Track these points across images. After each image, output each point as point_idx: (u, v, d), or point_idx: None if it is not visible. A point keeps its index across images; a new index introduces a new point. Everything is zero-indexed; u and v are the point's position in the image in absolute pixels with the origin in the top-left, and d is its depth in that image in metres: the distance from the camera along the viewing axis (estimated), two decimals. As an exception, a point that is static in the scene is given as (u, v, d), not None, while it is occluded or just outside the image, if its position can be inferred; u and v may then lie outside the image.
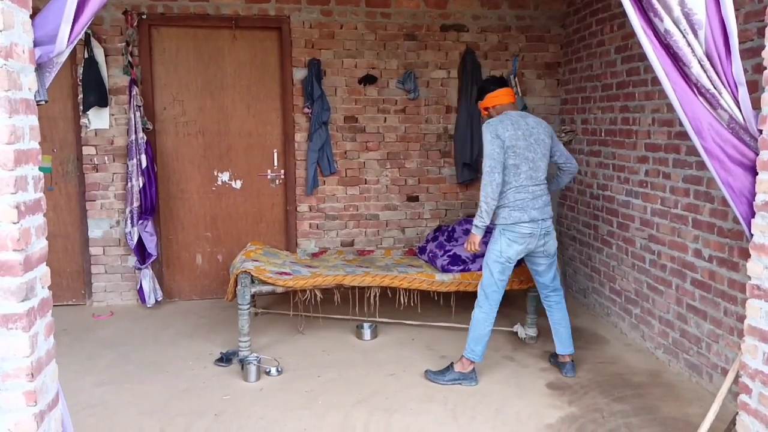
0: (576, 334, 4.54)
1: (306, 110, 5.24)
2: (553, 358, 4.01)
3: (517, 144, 3.56)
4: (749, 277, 2.29)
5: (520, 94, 5.47)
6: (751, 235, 2.30)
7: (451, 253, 4.46)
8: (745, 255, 3.11)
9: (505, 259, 3.63)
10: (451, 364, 3.80)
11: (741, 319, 3.21)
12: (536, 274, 3.87)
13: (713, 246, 3.50)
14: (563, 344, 3.88)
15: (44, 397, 1.96)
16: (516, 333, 4.39)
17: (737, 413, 2.40)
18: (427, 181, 5.59)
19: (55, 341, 2.08)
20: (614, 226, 4.66)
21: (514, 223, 3.58)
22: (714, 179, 2.42)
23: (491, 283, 3.68)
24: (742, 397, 2.35)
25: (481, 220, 3.62)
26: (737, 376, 2.45)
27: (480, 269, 4.27)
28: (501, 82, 3.82)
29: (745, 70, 3.11)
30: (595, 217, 4.98)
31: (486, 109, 3.78)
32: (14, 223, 1.80)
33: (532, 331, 4.33)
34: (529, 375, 3.86)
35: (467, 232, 4.72)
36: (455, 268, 4.33)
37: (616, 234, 4.64)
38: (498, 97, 3.73)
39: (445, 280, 4.26)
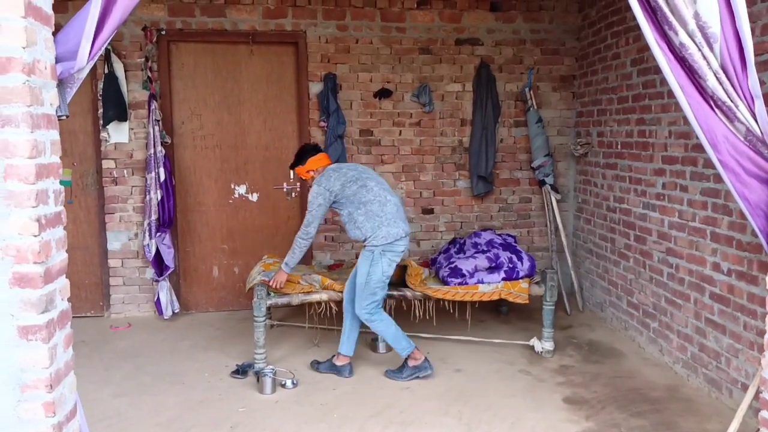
0: (593, 347, 4.52)
1: (322, 124, 5.28)
2: (320, 365, 4.12)
3: (349, 174, 3.91)
4: (768, 291, 2.27)
5: (534, 107, 5.47)
6: (770, 248, 2.28)
7: (453, 265, 4.45)
8: (765, 268, 3.08)
9: (387, 278, 3.90)
10: (405, 361, 3.99)
11: (761, 333, 3.17)
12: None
13: (732, 259, 3.47)
14: (353, 345, 4.09)
15: (63, 408, 1.98)
16: (532, 347, 4.36)
17: (758, 429, 2.37)
18: (442, 193, 5.60)
19: (74, 352, 2.11)
20: (631, 239, 4.62)
21: (394, 241, 3.83)
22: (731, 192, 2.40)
23: (376, 302, 3.90)
24: (763, 413, 2.32)
25: (291, 260, 4.00)
26: (758, 392, 2.41)
27: (479, 282, 4.31)
28: (318, 149, 4.11)
29: (762, 82, 3.10)
30: (611, 230, 4.95)
31: (309, 171, 4.03)
32: (35, 236, 1.83)
33: (548, 345, 4.30)
34: (546, 389, 3.82)
35: (476, 245, 4.74)
36: (454, 280, 4.32)
37: (633, 247, 4.60)
38: (320, 160, 4.03)
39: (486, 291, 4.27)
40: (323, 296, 4.16)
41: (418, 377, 3.93)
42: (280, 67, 5.34)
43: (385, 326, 3.94)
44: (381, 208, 3.84)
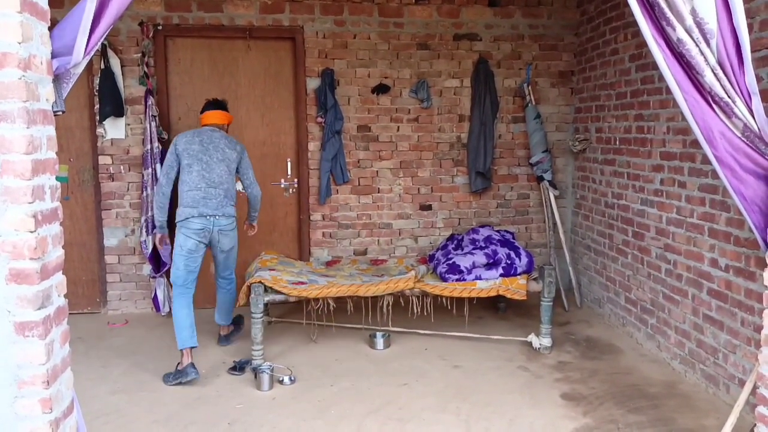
0: (591, 344, 4.52)
1: (319, 119, 5.27)
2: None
3: (190, 147, 4.04)
4: (766, 287, 2.27)
5: (533, 103, 5.46)
6: (766, 243, 2.28)
7: (451, 261, 4.45)
8: (762, 265, 3.09)
9: (186, 251, 4.02)
10: (177, 365, 3.94)
11: (758, 329, 3.17)
12: (215, 263, 4.34)
13: (730, 255, 3.47)
14: (222, 317, 4.47)
15: (59, 405, 1.98)
16: (530, 343, 4.37)
17: (755, 425, 2.37)
18: (440, 189, 5.59)
19: (71, 349, 2.10)
20: (629, 236, 4.62)
21: (186, 218, 4.00)
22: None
23: (178, 274, 4.02)
24: (760, 408, 2.32)
25: (156, 217, 4.16)
26: (755, 387, 2.42)
27: (477, 278, 4.31)
28: (217, 106, 4.28)
29: (761, 78, 3.10)
30: (609, 226, 4.95)
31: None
32: (31, 231, 1.83)
33: (546, 341, 4.30)
34: (544, 385, 3.83)
35: (474, 241, 4.74)
36: (452, 276, 4.32)
37: (631, 243, 4.60)
38: (205, 118, 4.23)
39: (483, 288, 4.26)
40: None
41: (181, 383, 3.82)
42: (278, 63, 5.32)
43: (179, 308, 3.97)
44: (187, 192, 4.01)
